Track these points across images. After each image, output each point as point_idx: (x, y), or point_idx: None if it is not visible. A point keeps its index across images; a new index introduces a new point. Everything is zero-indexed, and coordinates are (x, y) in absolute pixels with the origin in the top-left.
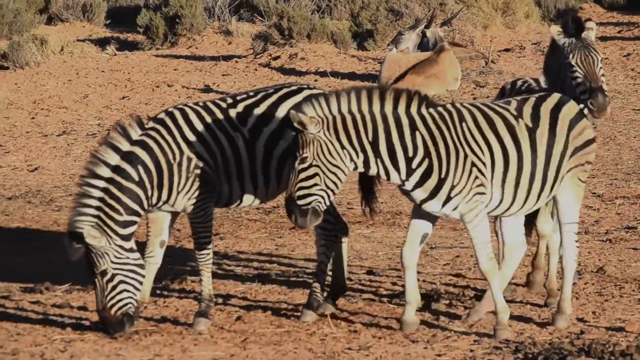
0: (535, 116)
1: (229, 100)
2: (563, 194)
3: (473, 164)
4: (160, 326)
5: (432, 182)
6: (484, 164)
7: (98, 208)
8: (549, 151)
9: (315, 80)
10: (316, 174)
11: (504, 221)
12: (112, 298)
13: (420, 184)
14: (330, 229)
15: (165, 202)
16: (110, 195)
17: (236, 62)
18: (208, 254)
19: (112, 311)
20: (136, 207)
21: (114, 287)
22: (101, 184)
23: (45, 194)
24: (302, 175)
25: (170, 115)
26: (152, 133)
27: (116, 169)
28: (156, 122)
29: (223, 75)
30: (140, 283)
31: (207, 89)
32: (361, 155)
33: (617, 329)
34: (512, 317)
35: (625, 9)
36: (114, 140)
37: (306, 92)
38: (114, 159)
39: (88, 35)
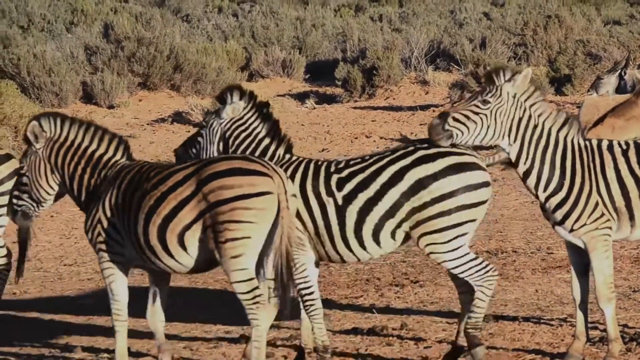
0: None
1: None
2: None
3: None
4: None
5: None
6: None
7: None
8: None
9: None
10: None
11: None
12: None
13: None
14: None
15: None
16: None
17: (433, 111)
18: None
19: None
20: None
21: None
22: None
23: None
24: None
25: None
26: None
27: None
28: None
29: (420, 124)
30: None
31: (404, 139)
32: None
33: None
34: None
35: None
36: None
37: (420, 153)
38: None
39: (288, 90)
